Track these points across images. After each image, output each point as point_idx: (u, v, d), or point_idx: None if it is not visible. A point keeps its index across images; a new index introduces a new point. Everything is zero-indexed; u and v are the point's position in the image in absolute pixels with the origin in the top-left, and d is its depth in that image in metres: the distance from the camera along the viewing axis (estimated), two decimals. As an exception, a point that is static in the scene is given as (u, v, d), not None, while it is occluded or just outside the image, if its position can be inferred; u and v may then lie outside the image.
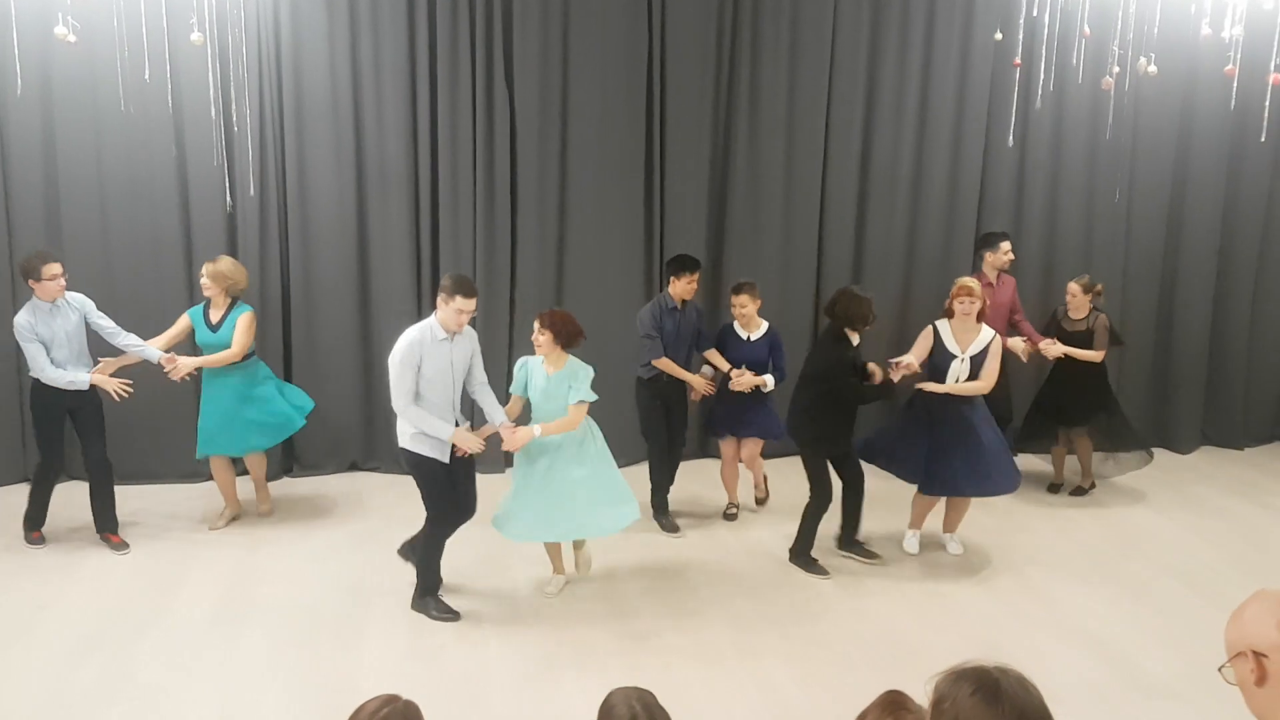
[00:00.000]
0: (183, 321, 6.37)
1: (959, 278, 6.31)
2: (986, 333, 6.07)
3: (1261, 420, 8.81)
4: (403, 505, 6.96)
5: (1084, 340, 7.10)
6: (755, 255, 7.79)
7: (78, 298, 6.05)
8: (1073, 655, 5.12)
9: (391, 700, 2.52)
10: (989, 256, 7.42)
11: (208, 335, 6.29)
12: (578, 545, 5.81)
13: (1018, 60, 6.81)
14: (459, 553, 6.20)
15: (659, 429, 6.61)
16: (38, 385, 5.95)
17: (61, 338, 5.93)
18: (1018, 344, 7.08)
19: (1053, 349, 7.11)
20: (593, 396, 5.49)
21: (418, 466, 5.35)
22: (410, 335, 5.22)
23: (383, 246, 7.36)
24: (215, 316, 6.29)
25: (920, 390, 6.11)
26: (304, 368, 7.36)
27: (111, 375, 6.03)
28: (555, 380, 5.44)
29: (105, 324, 6.06)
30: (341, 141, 7.18)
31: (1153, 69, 5.96)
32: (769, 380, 6.49)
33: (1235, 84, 6.02)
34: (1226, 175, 8.28)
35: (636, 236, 7.69)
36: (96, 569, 5.92)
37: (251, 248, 7.14)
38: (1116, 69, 6.20)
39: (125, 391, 5.95)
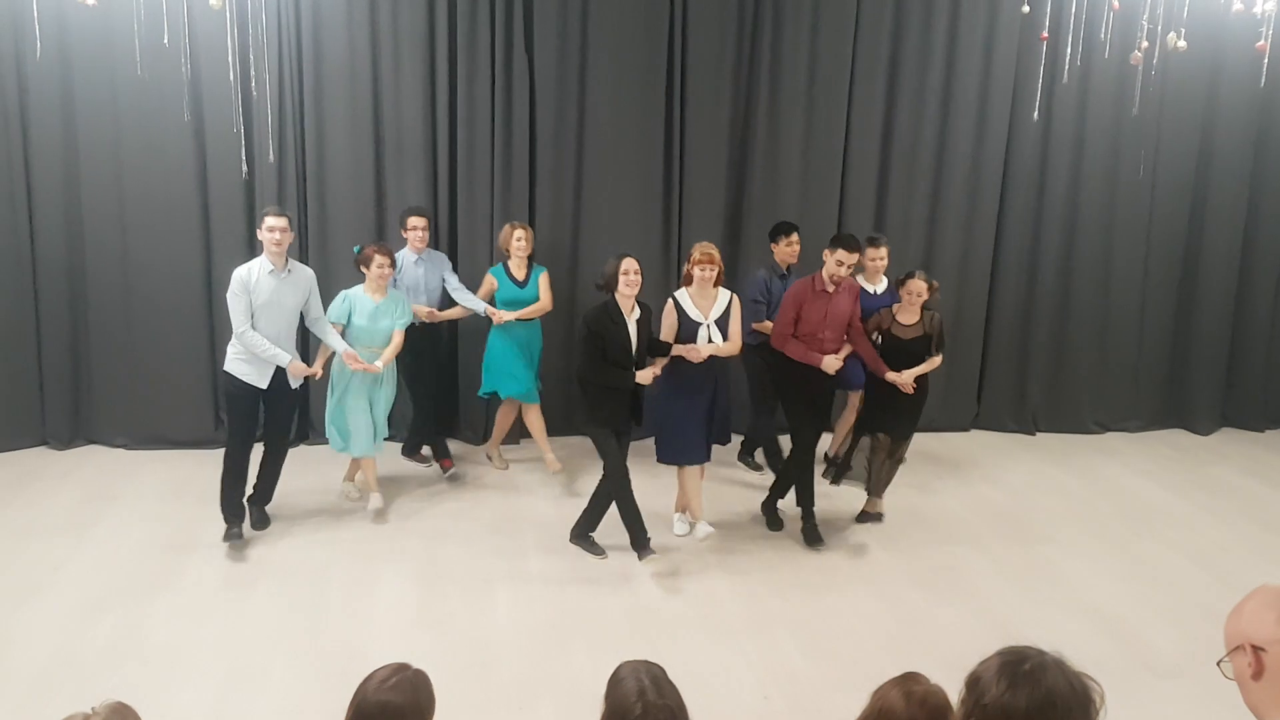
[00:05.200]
0: (490, 281, 6.88)
1: (698, 243, 5.88)
2: (724, 295, 5.85)
3: (1283, 403, 8.73)
4: (414, 473, 6.99)
5: (922, 347, 6.08)
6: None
7: (440, 255, 7.00)
8: (1082, 633, 5.10)
9: (402, 669, 2.52)
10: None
11: (515, 291, 6.85)
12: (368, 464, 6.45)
13: (1045, 34, 6.70)
14: (471, 522, 6.24)
15: (769, 393, 6.76)
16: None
17: (422, 286, 6.77)
18: (831, 363, 5.93)
19: (903, 378, 5.99)
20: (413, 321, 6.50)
21: (229, 389, 5.92)
22: (240, 269, 5.83)
23: (400, 214, 7.34)
24: (520, 274, 6.88)
25: (675, 374, 5.82)
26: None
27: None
28: (382, 306, 6.24)
29: (451, 280, 6.92)
30: (360, 109, 7.15)
31: (1182, 44, 5.84)
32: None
33: (1266, 60, 5.90)
34: (1254, 154, 8.15)
35: (654, 208, 7.64)
36: (109, 531, 5.97)
37: (269, 214, 7.14)
38: (1145, 44, 6.09)
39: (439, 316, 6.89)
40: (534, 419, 6.96)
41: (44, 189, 6.95)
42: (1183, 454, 7.94)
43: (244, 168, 6.85)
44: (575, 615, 5.17)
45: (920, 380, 6.08)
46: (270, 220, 5.77)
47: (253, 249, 7.17)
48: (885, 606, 5.36)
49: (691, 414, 5.84)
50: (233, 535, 5.81)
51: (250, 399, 5.89)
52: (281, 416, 6.12)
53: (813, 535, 6.07)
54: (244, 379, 5.82)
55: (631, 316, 5.67)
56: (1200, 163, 8.18)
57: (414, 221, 6.73)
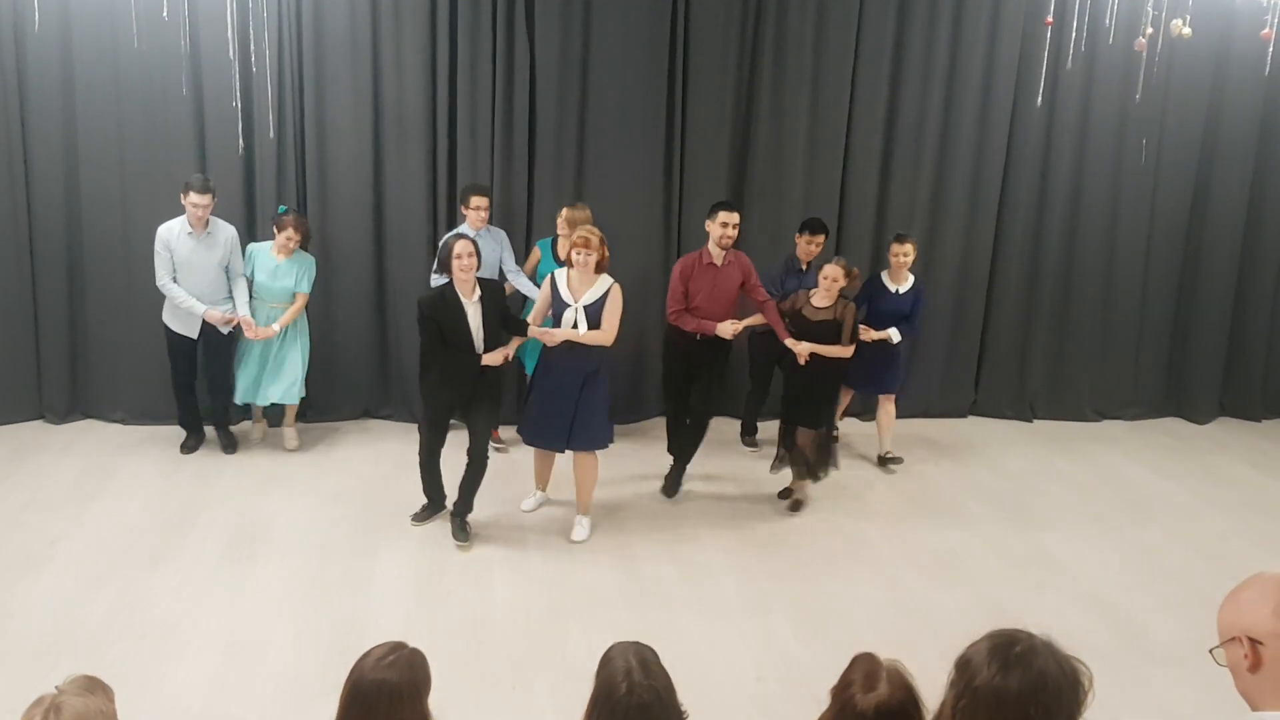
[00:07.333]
0: (535, 253, 7.01)
1: (579, 229, 5.75)
2: (604, 282, 5.62)
3: (1281, 392, 8.72)
4: (413, 452, 6.99)
5: (830, 333, 6.03)
6: (776, 212, 7.68)
7: (499, 232, 6.95)
8: (1080, 620, 5.12)
9: (398, 647, 2.53)
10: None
11: (551, 266, 6.74)
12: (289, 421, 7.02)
13: (1049, 18, 6.66)
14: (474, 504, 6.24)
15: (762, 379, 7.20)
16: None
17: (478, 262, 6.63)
18: (726, 328, 6.14)
19: (799, 347, 6.04)
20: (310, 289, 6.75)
21: (168, 340, 6.63)
22: (162, 226, 6.39)
23: (399, 193, 7.31)
24: (563, 252, 6.64)
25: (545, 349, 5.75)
26: (318, 313, 7.30)
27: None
28: (283, 266, 6.62)
29: (508, 261, 6.93)
30: (360, 86, 7.10)
31: (1187, 31, 5.81)
32: (893, 334, 6.78)
33: (1271, 48, 5.88)
34: (1258, 142, 8.12)
35: (655, 189, 7.60)
36: (108, 505, 5.97)
37: (268, 190, 7.10)
38: (1150, 30, 6.06)
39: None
40: None
41: (42, 162, 6.91)
42: (1181, 442, 7.95)
43: (240, 143, 6.82)
44: (572, 595, 5.18)
45: (828, 368, 6.06)
46: (194, 197, 6.26)
47: (250, 225, 7.17)
48: (882, 591, 5.38)
49: (550, 397, 5.68)
50: (187, 446, 6.79)
51: (183, 347, 6.63)
52: (212, 367, 6.74)
53: (670, 484, 6.45)
54: (174, 329, 6.56)
55: (472, 299, 5.49)
56: (1204, 150, 8.15)
57: (477, 201, 6.66)
